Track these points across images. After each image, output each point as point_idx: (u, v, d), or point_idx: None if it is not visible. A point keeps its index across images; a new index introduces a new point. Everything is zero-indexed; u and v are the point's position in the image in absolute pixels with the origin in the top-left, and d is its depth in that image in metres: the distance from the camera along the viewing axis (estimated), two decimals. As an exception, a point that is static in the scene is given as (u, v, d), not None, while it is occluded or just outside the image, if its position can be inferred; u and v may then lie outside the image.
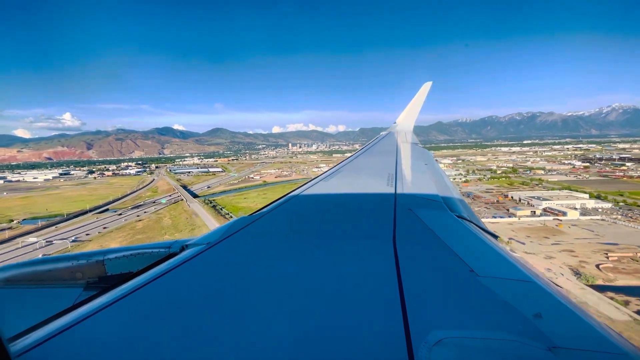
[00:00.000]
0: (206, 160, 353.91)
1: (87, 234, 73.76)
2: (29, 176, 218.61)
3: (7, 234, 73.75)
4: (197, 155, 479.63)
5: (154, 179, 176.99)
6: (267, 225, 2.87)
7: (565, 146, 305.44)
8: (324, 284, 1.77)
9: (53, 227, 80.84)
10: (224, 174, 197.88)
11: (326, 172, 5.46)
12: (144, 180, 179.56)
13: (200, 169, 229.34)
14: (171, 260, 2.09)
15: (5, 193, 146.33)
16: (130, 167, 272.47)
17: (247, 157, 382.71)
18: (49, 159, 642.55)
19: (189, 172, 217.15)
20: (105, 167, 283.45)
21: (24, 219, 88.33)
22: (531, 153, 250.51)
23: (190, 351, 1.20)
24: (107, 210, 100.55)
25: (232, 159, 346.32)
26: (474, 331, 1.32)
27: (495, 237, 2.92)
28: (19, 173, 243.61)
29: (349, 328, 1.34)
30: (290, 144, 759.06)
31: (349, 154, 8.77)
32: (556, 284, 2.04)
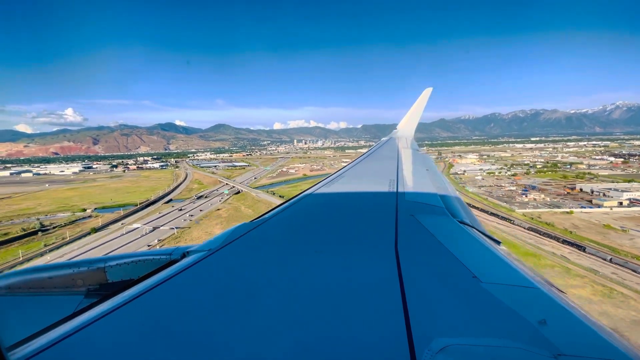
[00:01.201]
0: (219, 155, 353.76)
1: (184, 220, 74.64)
2: (55, 170, 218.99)
3: (99, 220, 74.75)
4: (205, 151, 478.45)
5: (187, 173, 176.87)
6: (269, 231, 2.85)
7: (579, 143, 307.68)
8: (326, 291, 1.76)
9: (135, 216, 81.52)
10: (252, 168, 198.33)
11: (328, 177, 5.41)
12: (177, 173, 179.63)
13: (226, 164, 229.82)
14: (172, 267, 2.08)
15: (47, 185, 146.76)
16: (147, 162, 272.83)
17: (257, 152, 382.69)
18: (56, 154, 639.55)
19: (216, 166, 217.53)
20: (121, 161, 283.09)
21: (96, 208, 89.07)
22: (550, 149, 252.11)
23: (193, 358, 1.19)
24: (170, 200, 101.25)
25: (246, 155, 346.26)
26: (478, 338, 1.30)
27: (498, 242, 2.86)
28: (39, 167, 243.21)
29: (352, 335, 1.33)
30: (295, 140, 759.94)
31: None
32: (560, 290, 2.04)
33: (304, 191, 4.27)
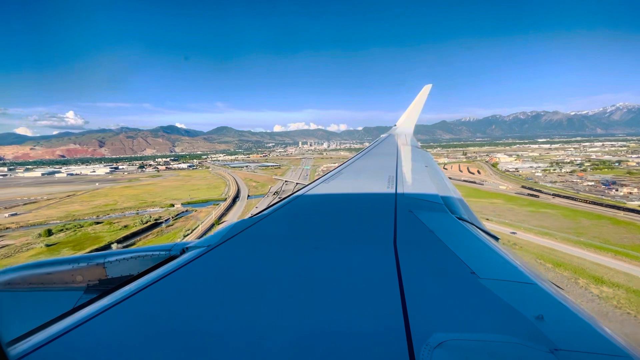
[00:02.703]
0: (234, 157, 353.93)
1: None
2: (84, 170, 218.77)
3: (200, 214, 75.06)
4: (211, 153, 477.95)
5: (227, 173, 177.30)
6: (268, 227, 2.86)
7: (594, 143, 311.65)
8: (325, 286, 1.76)
9: (234, 210, 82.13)
10: (286, 168, 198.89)
11: (327, 174, 5.42)
12: (219, 173, 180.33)
13: (257, 164, 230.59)
14: (172, 262, 2.08)
15: (97, 184, 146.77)
16: (169, 163, 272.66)
17: (268, 154, 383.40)
18: (62, 156, 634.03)
19: (247, 165, 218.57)
20: (142, 162, 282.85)
21: (182, 204, 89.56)
22: (572, 149, 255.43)
23: (192, 354, 1.19)
24: (249, 196, 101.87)
25: (262, 156, 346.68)
26: (476, 333, 1.32)
27: (496, 238, 2.89)
28: (59, 168, 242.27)
29: (350, 330, 1.34)
30: (300, 143, 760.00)
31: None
32: (558, 286, 2.05)
33: (303, 187, 4.30)
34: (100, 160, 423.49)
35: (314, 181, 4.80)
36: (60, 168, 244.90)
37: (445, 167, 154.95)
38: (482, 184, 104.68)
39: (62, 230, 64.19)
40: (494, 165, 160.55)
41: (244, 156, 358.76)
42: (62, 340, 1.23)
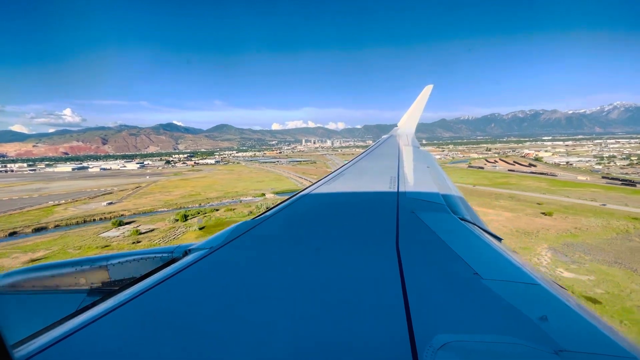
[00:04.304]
0: (244, 153, 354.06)
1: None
2: (115, 165, 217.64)
3: None
4: (214, 150, 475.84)
5: (268, 168, 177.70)
6: (271, 229, 2.87)
7: (607, 141, 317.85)
8: (327, 288, 1.77)
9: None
10: (321, 163, 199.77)
11: (329, 175, 5.45)
12: (262, 167, 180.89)
13: (290, 159, 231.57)
14: (174, 265, 2.09)
15: (147, 177, 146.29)
16: (188, 159, 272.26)
17: (279, 151, 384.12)
18: (66, 153, 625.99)
19: (278, 161, 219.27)
20: (167, 158, 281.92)
21: (274, 193, 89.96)
22: (592, 145, 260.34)
23: (195, 356, 1.19)
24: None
25: (278, 152, 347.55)
26: (479, 335, 1.31)
27: (499, 239, 2.89)
28: (80, 164, 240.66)
29: (353, 332, 1.33)
30: (303, 140, 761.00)
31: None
32: (561, 286, 2.02)
33: (305, 189, 4.35)
34: (107, 157, 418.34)
35: (317, 182, 4.82)
36: (82, 164, 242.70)
37: (481, 162, 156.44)
38: (556, 175, 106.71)
39: (194, 215, 64.43)
40: (539, 159, 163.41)
41: (257, 153, 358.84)
42: (66, 342, 1.23)
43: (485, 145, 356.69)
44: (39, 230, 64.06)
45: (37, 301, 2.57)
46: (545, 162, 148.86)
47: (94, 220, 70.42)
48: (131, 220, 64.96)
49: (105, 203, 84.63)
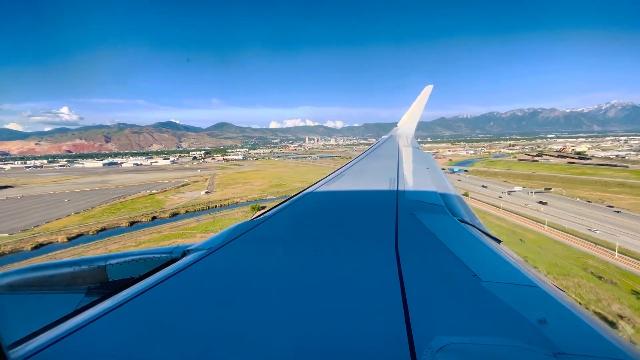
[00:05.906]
0: (261, 150, 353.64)
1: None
2: (145, 162, 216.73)
3: None
4: (218, 149, 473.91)
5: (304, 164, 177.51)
6: (270, 229, 2.87)
7: (619, 138, 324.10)
8: (326, 290, 1.76)
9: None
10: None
11: (328, 176, 5.46)
12: (302, 163, 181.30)
13: (320, 155, 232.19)
14: (173, 265, 2.08)
15: (198, 170, 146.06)
16: (208, 155, 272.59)
17: (284, 149, 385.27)
18: (69, 151, 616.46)
19: (309, 156, 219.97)
20: (193, 154, 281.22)
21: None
22: (610, 142, 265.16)
23: (193, 356, 1.19)
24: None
25: (294, 149, 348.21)
26: (478, 337, 1.30)
27: (499, 241, 2.84)
28: (109, 159, 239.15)
29: (352, 334, 1.33)
30: (307, 138, 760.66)
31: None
32: (561, 289, 2.03)
33: (305, 189, 4.37)
34: (114, 154, 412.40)
35: (317, 182, 4.86)
36: (111, 160, 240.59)
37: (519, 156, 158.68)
38: (627, 167, 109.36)
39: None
40: (581, 153, 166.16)
41: (275, 150, 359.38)
42: (63, 342, 1.22)
43: (488, 142, 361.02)
44: (174, 215, 65.40)
45: (35, 301, 2.54)
46: (593, 156, 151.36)
47: (209, 207, 71.36)
48: (258, 205, 65.12)
49: (203, 192, 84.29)
